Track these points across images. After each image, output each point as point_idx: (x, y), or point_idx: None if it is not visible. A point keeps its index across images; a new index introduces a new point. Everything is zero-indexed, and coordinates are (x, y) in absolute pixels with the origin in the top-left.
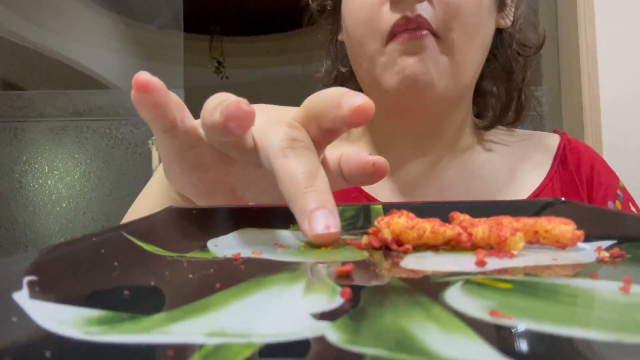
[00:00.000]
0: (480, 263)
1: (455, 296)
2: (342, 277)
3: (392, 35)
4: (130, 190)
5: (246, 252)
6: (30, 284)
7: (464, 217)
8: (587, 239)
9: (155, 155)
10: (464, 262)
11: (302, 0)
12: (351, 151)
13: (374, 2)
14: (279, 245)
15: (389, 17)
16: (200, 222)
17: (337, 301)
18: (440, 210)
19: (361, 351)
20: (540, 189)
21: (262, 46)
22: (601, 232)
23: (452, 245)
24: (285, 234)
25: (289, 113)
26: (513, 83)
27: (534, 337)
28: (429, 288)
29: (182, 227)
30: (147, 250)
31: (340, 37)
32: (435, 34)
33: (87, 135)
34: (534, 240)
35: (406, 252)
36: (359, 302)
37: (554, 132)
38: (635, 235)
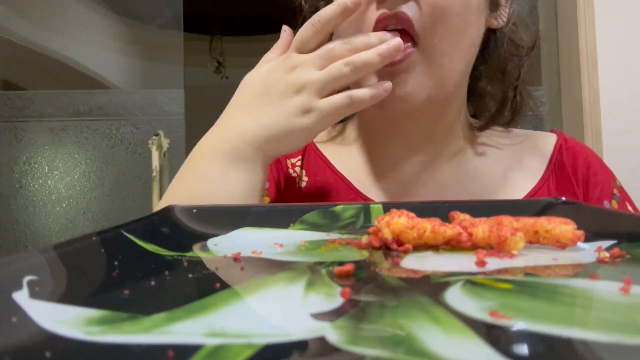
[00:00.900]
0: (481, 263)
1: (455, 296)
2: (342, 277)
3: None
4: (130, 191)
5: (246, 252)
6: (30, 284)
7: (464, 217)
8: (587, 239)
9: (155, 155)
10: (464, 262)
11: (295, 1)
12: None
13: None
14: (279, 244)
15: (374, 14)
16: (201, 221)
17: (337, 301)
18: (441, 210)
19: (361, 352)
20: (534, 190)
21: (262, 46)
22: (601, 232)
23: (452, 245)
24: (285, 233)
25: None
26: (507, 83)
27: (534, 338)
28: (429, 288)
29: (182, 226)
30: (147, 250)
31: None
32: (417, 37)
33: (87, 135)
34: (534, 240)
35: (406, 251)
36: (359, 303)
37: (551, 131)
38: (635, 236)
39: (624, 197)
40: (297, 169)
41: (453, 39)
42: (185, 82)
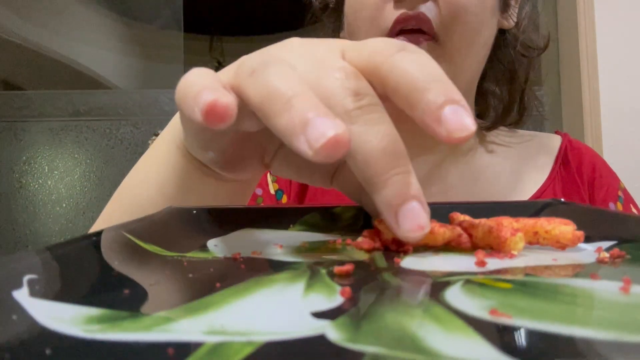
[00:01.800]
0: (480, 263)
1: (455, 296)
2: (342, 277)
3: (392, 33)
4: None
5: (246, 252)
6: (30, 282)
7: (464, 218)
8: (587, 239)
9: None
10: (464, 262)
11: None
12: None
13: (377, 0)
14: (279, 245)
15: (391, 14)
16: (200, 221)
17: (337, 300)
18: (441, 211)
19: (361, 349)
20: (542, 189)
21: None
22: (601, 233)
23: (452, 246)
24: (285, 234)
25: (335, 50)
26: (516, 84)
27: (534, 336)
28: (429, 288)
29: (182, 226)
30: (147, 250)
31: (342, 35)
32: (435, 36)
33: (87, 135)
34: (534, 241)
35: (406, 252)
36: (359, 301)
37: (556, 133)
38: (635, 236)
39: (628, 199)
40: None
41: (469, 39)
42: None
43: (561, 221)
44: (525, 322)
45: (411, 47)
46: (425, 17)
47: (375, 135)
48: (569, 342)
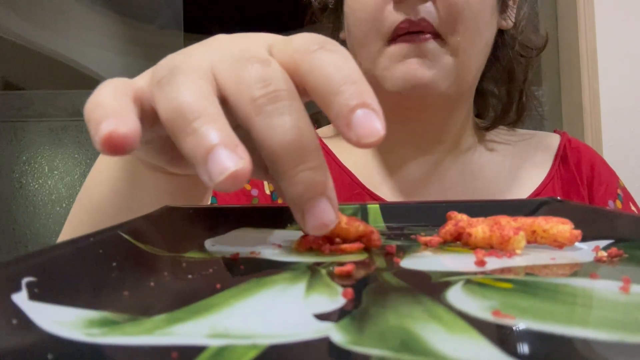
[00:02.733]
0: (480, 263)
1: (457, 296)
2: (343, 277)
3: (394, 36)
4: None
5: (245, 252)
6: (29, 285)
7: (462, 217)
8: (584, 238)
9: None
10: (463, 262)
11: None
12: None
13: (377, 1)
14: (278, 244)
15: (392, 17)
16: (197, 221)
17: (339, 301)
18: (438, 210)
19: (366, 352)
20: (541, 188)
21: None
22: (598, 232)
23: (364, 243)
24: (283, 234)
25: (261, 43)
26: (514, 84)
27: (537, 338)
28: (430, 288)
29: (179, 226)
30: (145, 251)
31: (341, 36)
32: (437, 36)
33: (87, 135)
34: (532, 240)
35: (345, 251)
36: (361, 303)
37: (555, 131)
38: (632, 235)
39: (628, 198)
40: None
41: (471, 38)
42: None
43: (559, 220)
44: (528, 323)
45: (331, 44)
46: (426, 23)
47: (279, 128)
48: (572, 344)
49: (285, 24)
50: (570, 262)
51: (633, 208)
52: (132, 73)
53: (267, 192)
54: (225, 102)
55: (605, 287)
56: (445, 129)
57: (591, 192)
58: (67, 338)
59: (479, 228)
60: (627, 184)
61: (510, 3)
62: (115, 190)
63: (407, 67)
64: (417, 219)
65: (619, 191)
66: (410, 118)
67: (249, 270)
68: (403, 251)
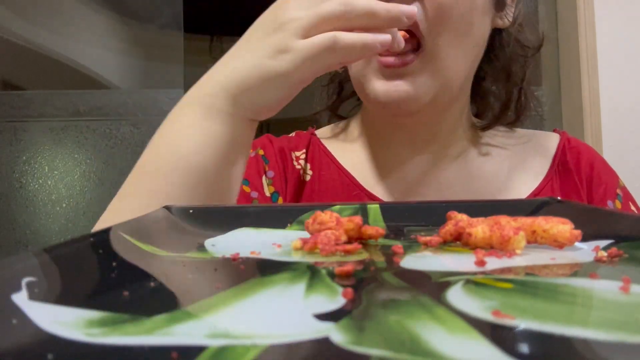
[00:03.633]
0: (480, 263)
1: (457, 296)
2: (343, 277)
3: None
4: None
5: (245, 252)
6: (29, 285)
7: (462, 217)
8: (584, 238)
9: None
10: (463, 262)
11: None
12: None
13: None
14: (278, 244)
15: None
16: (197, 221)
17: (339, 301)
18: (438, 210)
19: (366, 352)
20: (539, 188)
21: None
22: (598, 232)
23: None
24: (283, 234)
25: None
26: (512, 83)
27: (537, 338)
28: (430, 288)
29: (179, 226)
30: (145, 251)
31: None
32: (421, 40)
33: (87, 135)
34: (532, 240)
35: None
36: (361, 303)
37: (554, 131)
38: (632, 235)
39: (628, 197)
40: (302, 162)
41: (457, 40)
42: (185, 82)
43: (559, 220)
44: (528, 323)
45: None
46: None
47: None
48: (571, 344)
49: None
50: (570, 262)
51: (633, 208)
52: (132, 73)
53: (267, 194)
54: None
55: (605, 287)
56: (438, 129)
57: (590, 192)
58: (67, 338)
59: (479, 228)
60: (627, 184)
61: (508, 2)
62: (220, 143)
63: (387, 86)
64: (417, 219)
65: (618, 191)
66: (398, 120)
67: (249, 270)
68: (403, 251)
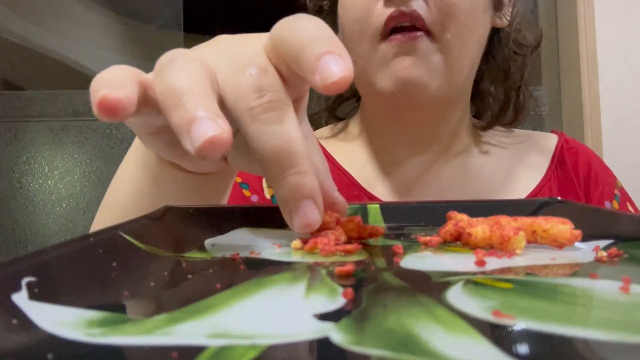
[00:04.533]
0: (480, 263)
1: (457, 296)
2: (343, 277)
3: (385, 31)
4: None
5: (245, 252)
6: (29, 285)
7: (462, 217)
8: (584, 238)
9: None
10: (463, 262)
11: (300, 0)
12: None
13: (368, 0)
14: (278, 244)
15: (383, 12)
16: (197, 221)
17: (339, 301)
18: (438, 210)
19: (366, 352)
20: (537, 189)
21: None
22: (598, 232)
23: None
24: (282, 234)
25: (260, 44)
26: (511, 82)
27: (537, 338)
28: (430, 288)
29: (179, 226)
30: (145, 251)
31: (339, 37)
32: (429, 33)
33: (87, 135)
34: (532, 240)
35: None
36: (361, 303)
37: (552, 132)
38: (632, 235)
39: (625, 198)
40: None
41: (462, 36)
42: None
43: (559, 220)
44: (528, 323)
45: (308, 18)
46: (417, 14)
47: (271, 136)
48: (571, 344)
49: None
50: (570, 262)
51: (630, 208)
52: None
53: (267, 196)
54: (222, 104)
55: (605, 287)
56: (440, 129)
57: (588, 192)
58: (67, 338)
59: (479, 228)
60: (627, 184)
61: (506, 1)
62: (137, 189)
63: (398, 65)
64: (417, 219)
65: (616, 191)
66: (403, 118)
67: (249, 270)
68: (403, 251)
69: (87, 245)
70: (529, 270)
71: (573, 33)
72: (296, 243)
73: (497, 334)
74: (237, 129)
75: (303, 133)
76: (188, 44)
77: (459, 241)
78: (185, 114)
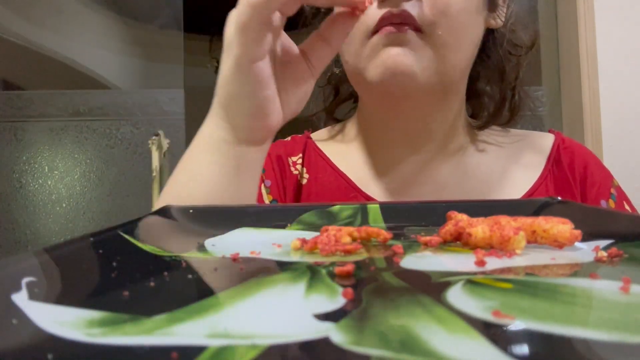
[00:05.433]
0: (480, 263)
1: (457, 296)
2: (343, 277)
3: (377, 30)
4: (130, 191)
5: (245, 252)
6: (29, 285)
7: (462, 217)
8: (584, 238)
9: (155, 155)
10: (463, 262)
11: None
12: None
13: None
14: (278, 244)
15: (376, 13)
16: (197, 221)
17: (339, 302)
18: (438, 210)
19: (366, 352)
20: (533, 188)
21: None
22: (598, 232)
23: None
24: (282, 234)
25: None
26: (506, 82)
27: (537, 338)
28: (430, 288)
29: (179, 226)
30: (145, 251)
31: None
32: (420, 31)
33: (87, 135)
34: (532, 240)
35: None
36: (361, 303)
37: (549, 131)
38: (632, 235)
39: (621, 197)
40: (299, 167)
41: (455, 35)
42: (185, 82)
43: (559, 220)
44: (528, 323)
45: None
46: (408, 14)
47: None
48: (571, 344)
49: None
50: (570, 262)
51: (627, 207)
52: (132, 73)
53: (266, 203)
54: None
55: (605, 287)
56: (433, 125)
57: (584, 191)
58: (67, 338)
59: (479, 228)
60: (626, 184)
61: (500, 2)
62: (222, 173)
63: (387, 53)
64: (417, 219)
65: (612, 190)
66: (394, 109)
67: (249, 270)
68: (403, 251)
69: (87, 246)
70: (529, 270)
71: (573, 33)
72: (296, 243)
73: (497, 334)
74: None
75: None
76: (188, 44)
77: (459, 241)
78: None
